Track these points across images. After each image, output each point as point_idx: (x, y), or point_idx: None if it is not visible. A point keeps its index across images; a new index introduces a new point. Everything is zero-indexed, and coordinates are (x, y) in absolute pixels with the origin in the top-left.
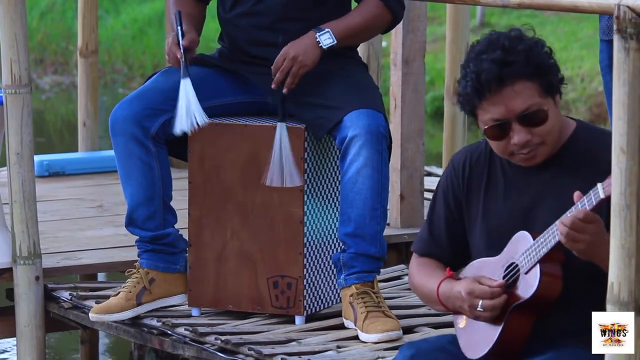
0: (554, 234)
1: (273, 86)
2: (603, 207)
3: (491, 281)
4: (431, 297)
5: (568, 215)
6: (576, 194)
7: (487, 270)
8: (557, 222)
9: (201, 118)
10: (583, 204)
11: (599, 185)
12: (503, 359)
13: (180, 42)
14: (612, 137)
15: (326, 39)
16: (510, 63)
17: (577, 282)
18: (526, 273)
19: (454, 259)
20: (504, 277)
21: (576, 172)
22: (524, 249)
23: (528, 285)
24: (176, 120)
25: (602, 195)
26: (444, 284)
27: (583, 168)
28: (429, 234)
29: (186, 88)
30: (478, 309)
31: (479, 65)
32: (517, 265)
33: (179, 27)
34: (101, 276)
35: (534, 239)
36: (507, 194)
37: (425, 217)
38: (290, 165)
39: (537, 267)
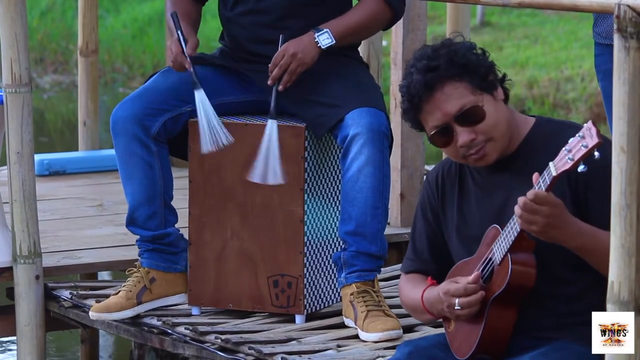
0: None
1: (269, 82)
2: (566, 190)
3: (464, 278)
4: (418, 307)
5: (521, 198)
6: (534, 175)
7: (467, 270)
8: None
9: (225, 138)
10: (539, 185)
11: (550, 164)
12: (490, 355)
13: (184, 49)
14: (571, 128)
15: (325, 39)
16: (434, 68)
17: (558, 272)
18: (499, 264)
19: (439, 271)
20: (481, 271)
21: (538, 165)
22: (496, 241)
23: (502, 277)
24: (201, 141)
25: (554, 173)
26: (427, 291)
27: (543, 160)
28: (412, 253)
29: (202, 101)
30: (456, 307)
31: (409, 78)
32: (491, 259)
33: (179, 32)
34: (102, 275)
35: (502, 230)
36: (479, 200)
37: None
38: (275, 162)
39: (508, 257)
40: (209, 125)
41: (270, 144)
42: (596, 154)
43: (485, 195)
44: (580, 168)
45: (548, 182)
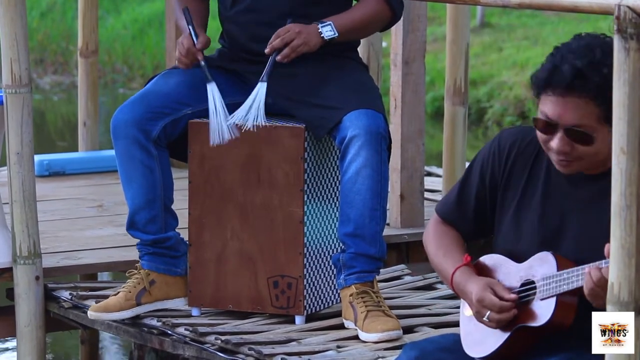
0: (580, 278)
1: (267, 50)
2: None
3: (503, 291)
4: (445, 276)
5: (598, 268)
6: (607, 247)
7: (502, 273)
8: (586, 270)
9: (228, 134)
10: None
11: None
12: None
13: (196, 43)
14: None
15: (328, 31)
16: (586, 77)
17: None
18: (542, 300)
19: (474, 231)
20: (518, 292)
21: (609, 202)
22: (546, 273)
23: (541, 313)
24: (210, 133)
25: None
26: (460, 273)
27: None
28: (456, 200)
29: (214, 94)
30: (484, 318)
31: (563, 61)
32: (535, 287)
33: (190, 27)
34: (102, 276)
35: (558, 269)
36: (544, 201)
37: (437, 204)
38: (222, 119)
39: (554, 300)
40: (217, 119)
41: (259, 105)
42: None
43: (553, 199)
44: None
45: None
